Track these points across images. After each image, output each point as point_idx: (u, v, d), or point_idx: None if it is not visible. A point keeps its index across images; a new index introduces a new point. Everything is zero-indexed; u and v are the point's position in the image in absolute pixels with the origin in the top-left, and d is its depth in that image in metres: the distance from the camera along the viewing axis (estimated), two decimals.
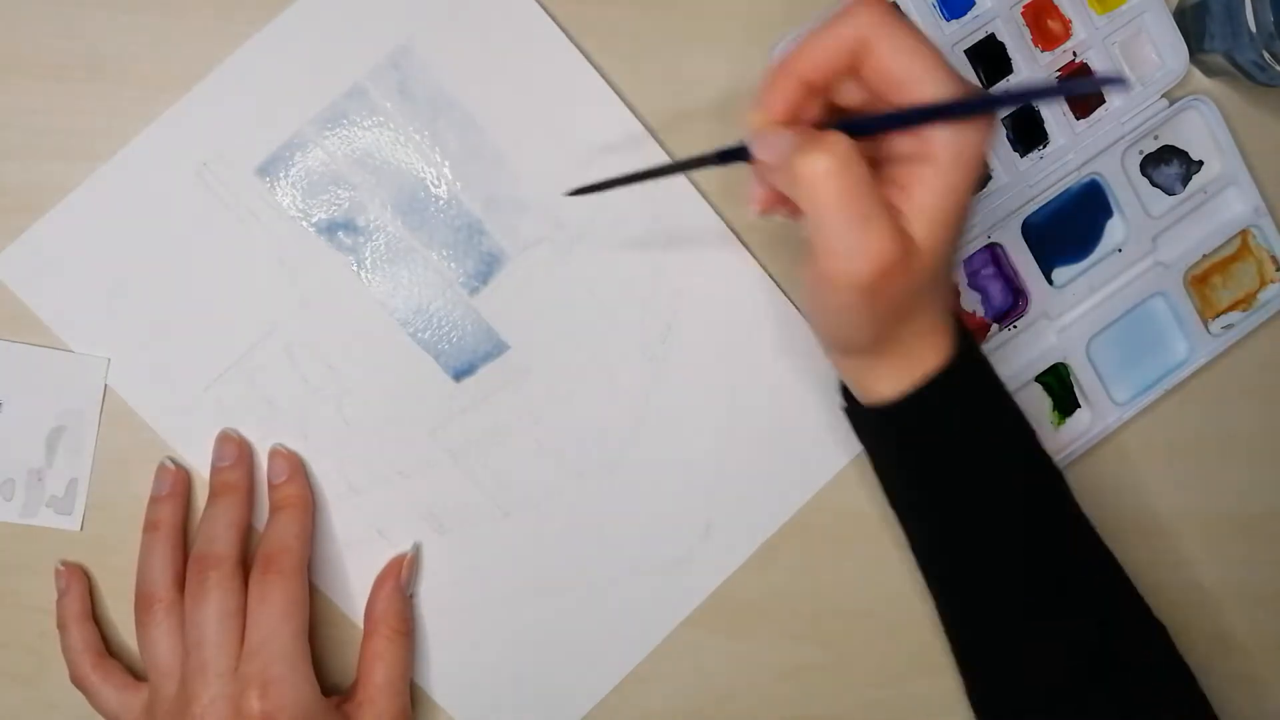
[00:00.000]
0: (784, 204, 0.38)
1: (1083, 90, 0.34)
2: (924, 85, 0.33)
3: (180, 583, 0.44)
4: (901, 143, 0.35)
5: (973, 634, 0.45)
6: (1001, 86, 0.35)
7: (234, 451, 0.45)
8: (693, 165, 0.37)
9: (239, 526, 0.44)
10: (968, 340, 0.41)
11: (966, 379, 0.40)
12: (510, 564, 0.48)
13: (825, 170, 0.33)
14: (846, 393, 0.43)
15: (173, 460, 0.45)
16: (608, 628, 0.49)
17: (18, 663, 0.45)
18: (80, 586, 0.45)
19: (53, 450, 0.45)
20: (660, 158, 0.46)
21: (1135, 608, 0.45)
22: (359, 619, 0.46)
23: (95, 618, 0.45)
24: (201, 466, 0.45)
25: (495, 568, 0.48)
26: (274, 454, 0.46)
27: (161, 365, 0.45)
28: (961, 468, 0.42)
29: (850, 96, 0.36)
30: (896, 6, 0.34)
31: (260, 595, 0.43)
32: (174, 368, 0.45)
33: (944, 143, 0.34)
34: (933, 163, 0.34)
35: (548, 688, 0.48)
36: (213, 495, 0.45)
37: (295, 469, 0.46)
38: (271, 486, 0.46)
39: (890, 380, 0.40)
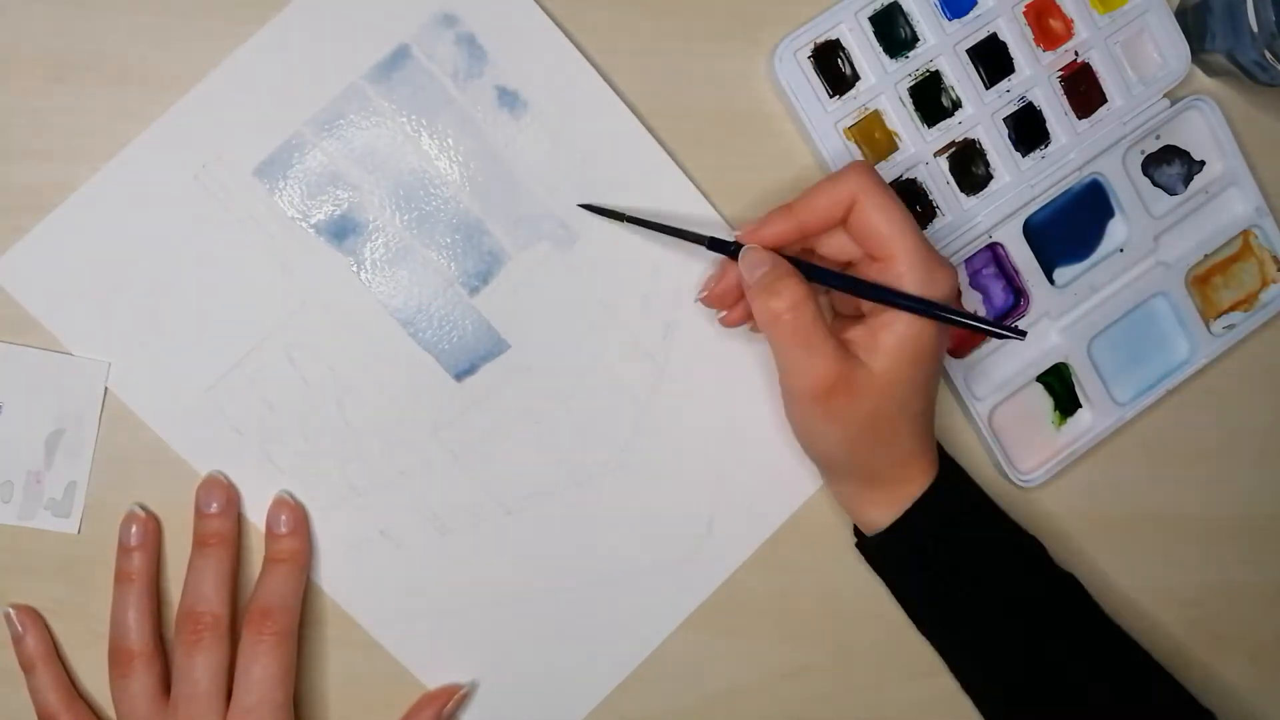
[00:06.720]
0: (746, 318, 0.45)
1: (998, 333, 0.43)
2: (894, 242, 0.41)
3: (157, 635, 0.44)
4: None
5: None
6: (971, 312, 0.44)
7: (222, 497, 0.45)
8: (691, 238, 0.44)
9: (229, 582, 0.44)
10: (950, 464, 0.46)
11: (949, 499, 0.45)
12: (512, 563, 0.48)
13: (781, 308, 0.41)
14: (858, 530, 0.48)
15: (141, 507, 0.45)
16: (609, 627, 0.49)
17: (17, 663, 0.45)
18: (39, 626, 0.45)
19: (52, 453, 0.45)
20: (660, 158, 0.46)
21: (1179, 695, 0.46)
22: (359, 619, 0.47)
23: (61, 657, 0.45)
24: (201, 469, 0.45)
25: (497, 567, 0.48)
26: (279, 503, 0.45)
27: (162, 368, 0.45)
28: (960, 583, 0.45)
29: (832, 246, 0.43)
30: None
31: (255, 655, 0.43)
32: (174, 371, 0.45)
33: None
34: (898, 316, 0.41)
35: (549, 687, 0.48)
36: (200, 544, 0.44)
37: (299, 523, 0.45)
38: (271, 535, 0.45)
39: (881, 508, 0.45)
